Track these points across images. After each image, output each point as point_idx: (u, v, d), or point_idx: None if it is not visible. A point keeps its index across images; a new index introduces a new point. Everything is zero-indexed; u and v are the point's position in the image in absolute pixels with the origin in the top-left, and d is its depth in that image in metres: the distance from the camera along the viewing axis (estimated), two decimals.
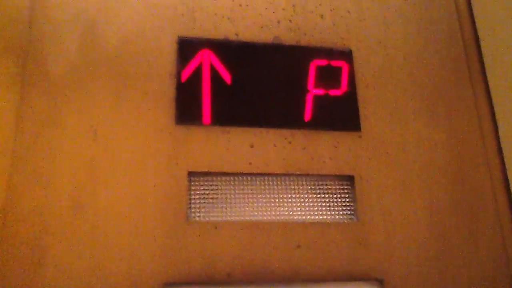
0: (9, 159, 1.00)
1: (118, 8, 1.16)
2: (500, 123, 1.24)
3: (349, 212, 1.13)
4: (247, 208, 1.09)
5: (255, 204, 1.10)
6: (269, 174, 1.12)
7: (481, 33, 1.33)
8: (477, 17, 1.35)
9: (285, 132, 1.14)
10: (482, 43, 1.32)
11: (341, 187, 1.15)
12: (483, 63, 1.31)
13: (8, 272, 0.93)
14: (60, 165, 1.02)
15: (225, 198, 1.09)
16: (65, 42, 1.11)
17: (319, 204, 1.13)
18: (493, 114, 1.26)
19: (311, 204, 1.13)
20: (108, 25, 1.15)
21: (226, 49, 1.17)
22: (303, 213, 1.11)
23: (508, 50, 1.21)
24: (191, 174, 1.07)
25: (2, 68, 1.06)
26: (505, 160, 1.21)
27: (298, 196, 1.13)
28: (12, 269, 0.93)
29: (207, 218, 1.06)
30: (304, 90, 1.18)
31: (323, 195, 1.14)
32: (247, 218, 1.08)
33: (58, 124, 1.05)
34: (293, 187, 1.13)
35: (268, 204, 1.10)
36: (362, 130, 1.18)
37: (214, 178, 1.10)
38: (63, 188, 1.00)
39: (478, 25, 1.34)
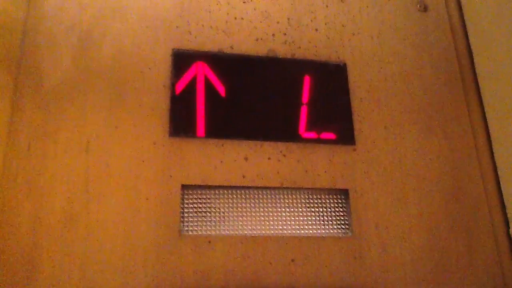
0: (0, 171, 0.99)
1: (113, 20, 1.16)
2: (494, 137, 1.24)
3: (343, 226, 1.12)
4: (241, 222, 1.08)
5: (249, 218, 1.09)
6: (263, 187, 1.11)
7: (474, 48, 1.34)
8: (471, 32, 1.36)
9: (280, 145, 1.14)
10: (476, 58, 1.33)
11: (336, 201, 1.14)
12: (477, 77, 1.32)
13: None
14: (52, 178, 1.01)
15: (219, 211, 1.08)
16: (59, 53, 1.11)
17: (314, 218, 1.12)
18: (487, 128, 1.27)
19: (306, 218, 1.12)
20: (103, 37, 1.14)
21: (221, 62, 1.17)
22: (298, 226, 1.10)
23: (501, 65, 1.22)
24: (184, 187, 1.06)
25: None
26: (499, 173, 1.22)
27: (292, 209, 1.12)
28: (2, 283, 0.91)
29: (200, 232, 1.05)
30: (298, 103, 1.18)
31: (317, 209, 1.13)
32: (241, 232, 1.07)
33: (51, 136, 1.04)
34: (287, 201, 1.12)
35: (262, 218, 1.09)
36: (356, 143, 1.18)
37: (208, 191, 1.09)
38: (55, 201, 0.99)
39: (471, 39, 1.35)
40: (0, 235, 0.94)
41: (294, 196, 1.13)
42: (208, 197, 1.09)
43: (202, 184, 1.07)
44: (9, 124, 1.03)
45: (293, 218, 1.11)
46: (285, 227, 1.10)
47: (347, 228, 1.12)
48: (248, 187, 1.10)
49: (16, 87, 1.06)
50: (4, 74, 1.06)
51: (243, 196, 1.10)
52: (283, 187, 1.11)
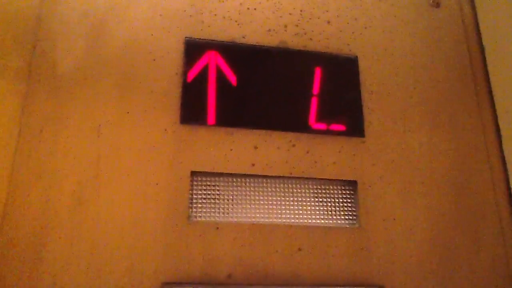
0: (12, 154, 1.00)
1: (127, 8, 1.17)
2: (504, 134, 1.24)
3: (351, 217, 1.13)
4: (249, 210, 1.09)
5: (257, 206, 1.09)
6: (272, 176, 1.11)
7: (486, 44, 1.33)
8: (483, 28, 1.35)
9: (289, 135, 1.14)
10: (487, 54, 1.32)
11: (344, 192, 1.14)
12: (488, 73, 1.31)
13: (7, 267, 0.92)
14: (63, 161, 1.02)
15: (227, 198, 1.08)
16: (72, 39, 1.12)
17: (321, 208, 1.12)
18: (497, 124, 1.26)
19: (313, 208, 1.12)
20: (117, 24, 1.15)
21: (233, 51, 1.18)
22: (305, 216, 1.11)
23: None
24: (194, 173, 1.07)
25: (9, 63, 1.07)
26: (508, 169, 1.21)
27: (300, 199, 1.12)
28: (11, 264, 0.93)
29: (208, 218, 1.06)
30: (309, 94, 1.18)
31: (325, 199, 1.13)
32: (249, 219, 1.07)
33: (63, 121, 1.05)
34: (295, 190, 1.12)
35: (270, 206, 1.10)
36: (366, 136, 1.18)
37: (217, 179, 1.09)
38: (66, 184, 1.00)
39: (483, 35, 1.35)
40: (11, 215, 0.96)
41: (302, 186, 1.13)
42: (217, 184, 1.09)
43: (211, 171, 1.08)
44: (22, 108, 1.04)
45: (301, 208, 1.11)
46: (292, 216, 1.10)
47: (354, 219, 1.12)
48: (257, 176, 1.11)
49: (29, 72, 1.07)
50: (18, 60, 1.08)
51: (252, 184, 1.11)
52: (292, 177, 1.12)
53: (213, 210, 1.07)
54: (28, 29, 1.11)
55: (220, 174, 1.09)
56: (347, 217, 1.13)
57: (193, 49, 1.16)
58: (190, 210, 1.05)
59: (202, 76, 1.13)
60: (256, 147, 1.11)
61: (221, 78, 1.14)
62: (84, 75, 1.09)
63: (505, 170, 1.22)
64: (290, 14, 1.26)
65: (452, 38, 1.35)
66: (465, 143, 1.23)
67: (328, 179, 1.14)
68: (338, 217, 1.12)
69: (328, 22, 1.28)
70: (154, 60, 1.14)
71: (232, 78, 1.15)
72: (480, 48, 1.35)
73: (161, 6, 1.19)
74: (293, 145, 1.13)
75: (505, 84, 1.24)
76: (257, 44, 1.21)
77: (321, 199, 1.13)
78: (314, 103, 1.17)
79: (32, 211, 0.97)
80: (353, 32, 1.29)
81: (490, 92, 1.30)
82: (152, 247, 0.99)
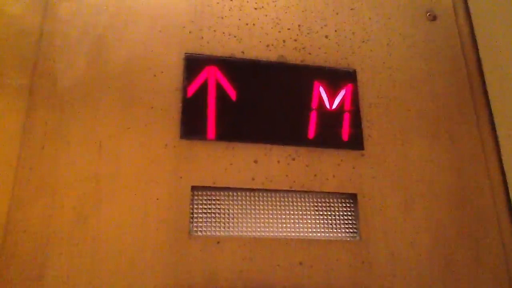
0: (13, 170, 1.01)
1: (126, 24, 1.19)
2: (502, 144, 1.24)
3: (351, 230, 1.13)
4: (250, 224, 1.09)
5: (258, 220, 1.10)
6: (272, 190, 1.12)
7: (483, 56, 1.34)
8: (479, 40, 1.36)
9: (289, 149, 1.15)
10: (484, 66, 1.33)
11: (344, 205, 1.15)
12: (486, 86, 1.32)
13: (8, 283, 0.92)
14: (64, 177, 1.02)
15: (228, 213, 1.09)
16: (73, 56, 1.13)
17: (322, 221, 1.13)
18: (495, 137, 1.27)
19: (314, 221, 1.12)
20: (117, 41, 1.17)
21: (232, 66, 1.19)
22: (306, 230, 1.11)
23: (510, 73, 1.23)
24: (194, 188, 1.07)
25: (11, 80, 1.08)
26: (508, 182, 1.21)
27: (300, 212, 1.12)
28: (12, 280, 0.92)
29: (209, 233, 1.06)
30: (308, 108, 1.19)
31: (325, 213, 1.13)
32: (250, 233, 1.08)
33: (64, 137, 1.06)
34: (296, 204, 1.13)
35: (271, 220, 1.10)
36: (365, 148, 1.19)
37: (217, 193, 1.10)
38: (67, 200, 1.00)
39: (480, 48, 1.36)
40: (13, 231, 0.96)
41: (302, 199, 1.14)
42: (218, 198, 1.10)
43: (211, 185, 1.08)
44: (23, 124, 1.05)
45: (301, 221, 1.12)
46: (293, 229, 1.10)
47: (355, 232, 1.12)
48: (257, 190, 1.11)
49: (31, 88, 1.08)
50: (20, 76, 1.09)
51: (252, 198, 1.11)
52: (292, 190, 1.12)
53: (213, 225, 1.07)
54: (30, 47, 1.12)
55: (220, 189, 1.10)
56: (347, 230, 1.13)
57: (193, 65, 1.17)
58: (191, 225, 1.05)
59: (202, 91, 1.14)
60: (256, 161, 1.12)
61: (220, 93, 1.15)
62: (85, 91, 1.10)
63: (504, 181, 1.22)
64: (288, 29, 1.28)
65: (449, 50, 1.36)
66: (464, 155, 1.24)
67: (328, 192, 1.14)
68: (339, 230, 1.13)
69: (326, 37, 1.29)
70: (154, 76, 1.15)
71: (232, 93, 1.16)
72: (477, 60, 1.36)
73: (160, 22, 1.21)
74: (293, 159, 1.14)
75: (502, 95, 1.25)
76: (256, 59, 1.22)
77: (321, 213, 1.13)
78: (313, 117, 1.18)
79: (33, 227, 0.97)
80: (351, 46, 1.30)
81: (488, 103, 1.31)
82: (153, 263, 0.99)
